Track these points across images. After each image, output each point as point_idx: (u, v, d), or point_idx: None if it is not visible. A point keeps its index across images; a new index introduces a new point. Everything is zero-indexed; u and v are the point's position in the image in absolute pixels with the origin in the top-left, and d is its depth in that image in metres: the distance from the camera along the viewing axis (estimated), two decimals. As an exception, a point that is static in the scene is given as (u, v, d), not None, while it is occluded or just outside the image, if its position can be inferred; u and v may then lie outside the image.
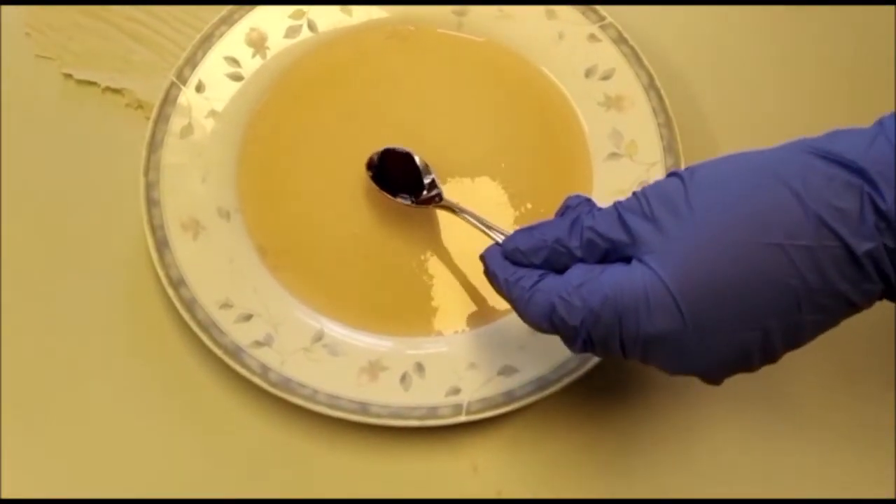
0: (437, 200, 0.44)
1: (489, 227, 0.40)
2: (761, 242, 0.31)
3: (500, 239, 0.39)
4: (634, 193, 0.34)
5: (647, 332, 0.32)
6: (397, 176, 0.45)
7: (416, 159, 0.45)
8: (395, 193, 0.45)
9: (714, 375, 0.34)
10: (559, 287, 0.34)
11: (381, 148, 0.46)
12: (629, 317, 0.32)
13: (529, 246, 0.36)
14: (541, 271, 0.36)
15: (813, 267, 0.31)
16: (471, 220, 0.41)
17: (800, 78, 0.51)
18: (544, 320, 0.35)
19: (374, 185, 0.45)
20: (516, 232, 0.37)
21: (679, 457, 0.42)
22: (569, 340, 0.35)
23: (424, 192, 0.45)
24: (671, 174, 0.34)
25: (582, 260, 0.35)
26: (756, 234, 0.31)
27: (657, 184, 0.34)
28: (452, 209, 0.43)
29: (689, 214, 0.32)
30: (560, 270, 0.35)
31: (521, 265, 0.36)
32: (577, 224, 0.35)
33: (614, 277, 0.33)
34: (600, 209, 0.35)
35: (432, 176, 0.45)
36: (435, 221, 0.45)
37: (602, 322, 0.33)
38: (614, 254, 0.34)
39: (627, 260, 0.33)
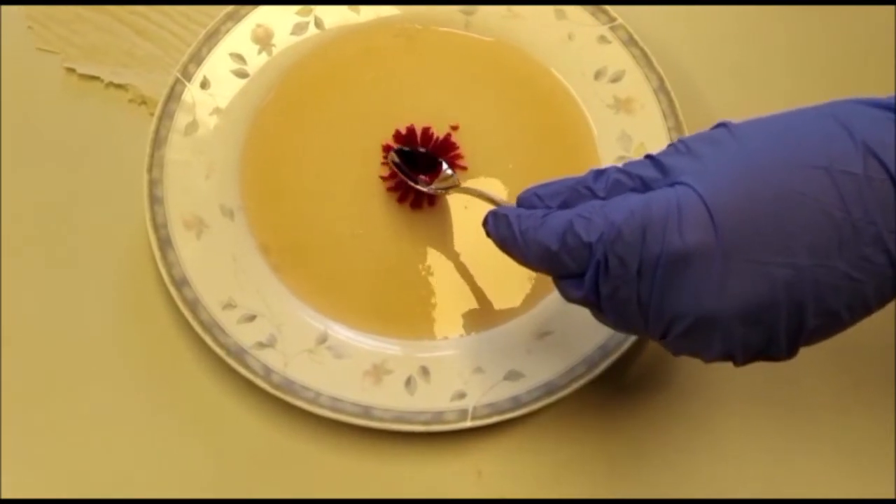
0: (456, 185, 0.43)
1: None
2: (806, 164, 0.29)
3: None
4: (672, 143, 0.33)
5: (673, 248, 0.30)
6: (413, 163, 0.45)
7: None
8: (413, 179, 0.44)
9: (733, 332, 0.31)
10: (578, 209, 0.32)
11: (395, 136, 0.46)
12: (655, 230, 0.30)
13: (547, 191, 0.34)
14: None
15: (857, 198, 0.29)
16: (492, 200, 0.40)
17: (810, 79, 0.51)
18: (555, 240, 0.32)
19: (394, 169, 0.45)
20: (535, 185, 0.35)
21: (687, 462, 0.42)
22: (574, 275, 0.33)
23: (442, 175, 0.44)
24: (715, 126, 0.33)
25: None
26: (801, 156, 0.30)
27: (698, 133, 0.33)
28: (471, 193, 0.42)
29: (730, 143, 0.31)
30: None
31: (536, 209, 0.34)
32: (603, 172, 0.33)
33: (643, 196, 0.31)
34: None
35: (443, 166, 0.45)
36: (441, 222, 0.45)
37: (623, 238, 0.30)
38: (641, 191, 0.32)
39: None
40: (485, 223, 0.36)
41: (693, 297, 0.30)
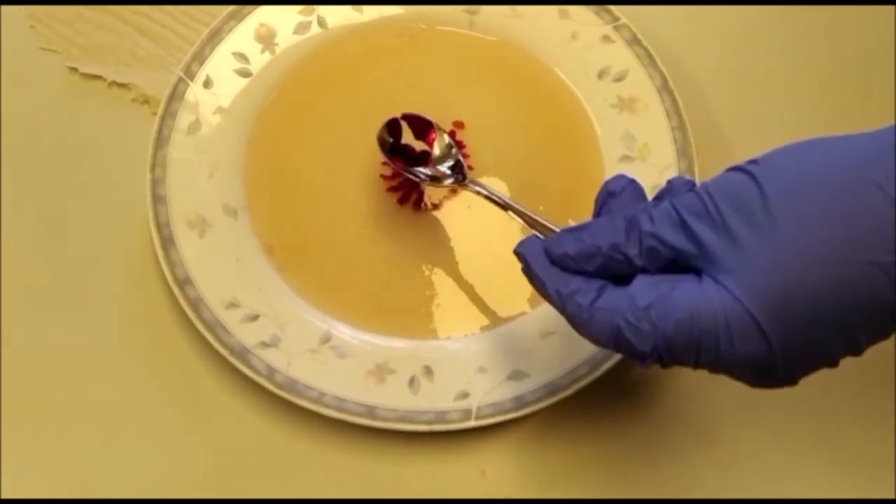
0: (459, 180, 0.42)
1: (523, 215, 0.37)
2: (857, 260, 0.28)
3: (536, 228, 0.36)
4: (695, 191, 0.31)
5: (729, 359, 0.30)
6: (413, 151, 0.44)
7: (437, 133, 0.44)
8: (410, 165, 0.43)
9: (794, 383, 0.32)
10: (623, 307, 0.31)
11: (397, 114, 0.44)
12: (708, 342, 0.29)
13: (580, 252, 0.32)
14: (598, 283, 0.32)
15: None
16: (504, 202, 0.39)
17: (812, 79, 0.51)
18: (609, 342, 0.31)
19: (382, 156, 0.44)
20: (563, 234, 0.33)
21: (689, 462, 0.41)
22: (635, 359, 0.32)
23: (442, 168, 0.43)
24: (736, 169, 0.31)
25: (643, 269, 0.31)
26: (850, 251, 0.28)
27: (723, 181, 0.31)
28: (478, 192, 0.41)
29: (767, 225, 0.29)
30: (617, 277, 0.32)
31: (571, 271, 0.33)
32: (634, 228, 0.31)
33: (687, 298, 0.30)
34: (655, 206, 0.31)
35: (457, 157, 0.44)
36: (445, 222, 0.45)
37: (676, 347, 0.30)
38: (681, 261, 0.31)
39: (697, 271, 0.30)
40: (515, 254, 0.35)
41: (754, 380, 0.32)
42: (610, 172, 0.46)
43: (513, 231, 0.44)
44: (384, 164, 0.46)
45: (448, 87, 0.48)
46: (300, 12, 0.49)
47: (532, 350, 0.42)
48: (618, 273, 0.32)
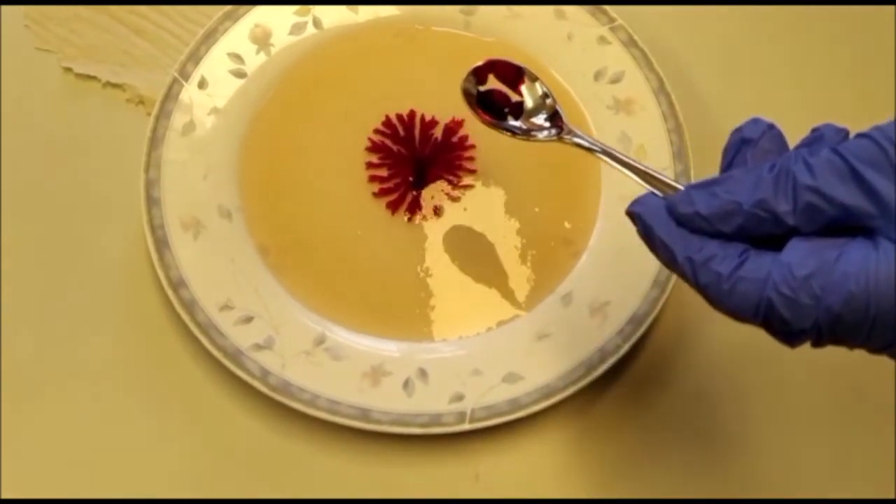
0: (557, 133, 0.38)
1: (637, 170, 0.33)
2: None
3: (654, 185, 0.31)
4: (869, 136, 0.26)
5: None
6: (499, 100, 0.40)
7: (528, 82, 0.39)
8: (501, 118, 0.40)
9: None
10: (776, 277, 0.26)
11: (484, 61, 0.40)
12: (887, 320, 0.25)
13: (716, 210, 0.27)
14: (738, 247, 0.27)
15: None
16: (614, 155, 0.35)
17: (810, 80, 0.51)
18: (754, 317, 0.27)
19: (472, 109, 0.40)
20: (691, 190, 0.28)
21: (684, 464, 0.41)
22: (786, 337, 0.27)
23: (537, 121, 0.39)
24: None
25: (794, 229, 0.26)
26: None
27: None
28: (580, 144, 0.36)
29: None
30: (760, 238, 0.27)
31: (702, 233, 0.28)
32: (786, 179, 0.26)
33: (861, 266, 0.25)
34: (812, 152, 0.27)
35: (554, 107, 0.39)
36: (440, 223, 0.45)
37: (843, 325, 0.25)
38: (847, 221, 0.26)
39: (867, 231, 0.26)
40: (630, 215, 0.30)
41: None
42: (606, 174, 0.46)
43: (510, 233, 0.44)
44: (372, 165, 0.46)
45: (444, 89, 0.47)
46: (296, 13, 0.49)
47: (527, 352, 0.42)
48: (759, 235, 0.27)
